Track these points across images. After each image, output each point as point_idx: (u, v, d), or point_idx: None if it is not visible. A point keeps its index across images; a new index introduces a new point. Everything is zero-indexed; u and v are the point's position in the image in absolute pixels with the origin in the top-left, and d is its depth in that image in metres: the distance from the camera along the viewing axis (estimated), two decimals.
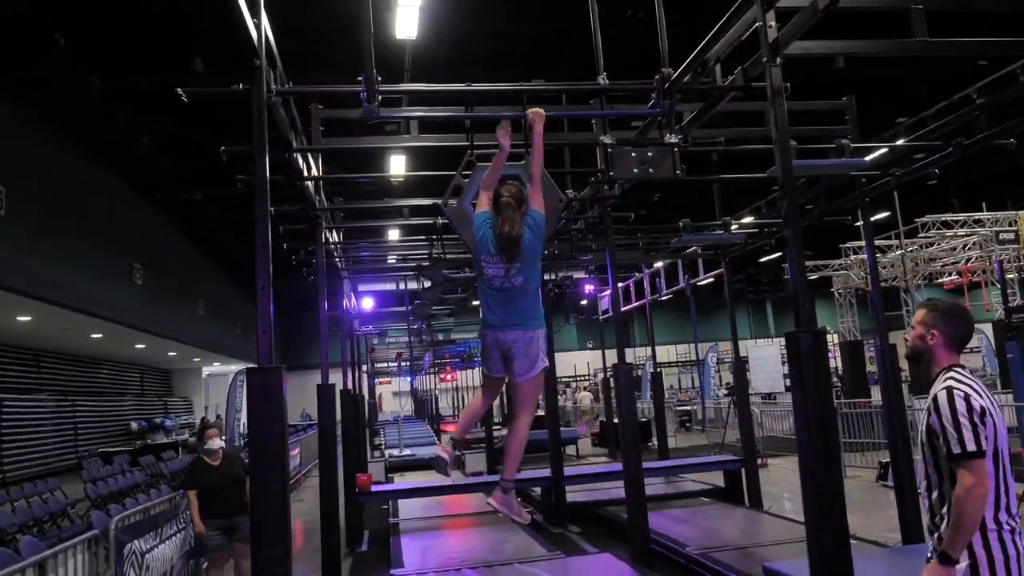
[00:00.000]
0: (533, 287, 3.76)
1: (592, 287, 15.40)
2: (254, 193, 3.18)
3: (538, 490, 10.11)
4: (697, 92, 4.61)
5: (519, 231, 3.70)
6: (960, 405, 2.52)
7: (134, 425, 26.43)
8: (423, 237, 7.96)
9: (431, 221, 6.90)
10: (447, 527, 9.08)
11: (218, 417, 30.29)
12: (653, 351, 12.83)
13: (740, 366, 9.77)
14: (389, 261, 10.64)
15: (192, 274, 22.24)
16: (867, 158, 5.71)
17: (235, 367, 25.04)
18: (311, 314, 33.28)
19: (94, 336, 18.82)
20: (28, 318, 14.74)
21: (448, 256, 6.35)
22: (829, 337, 34.55)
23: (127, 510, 6.24)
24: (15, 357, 19.25)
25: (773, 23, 3.62)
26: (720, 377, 32.08)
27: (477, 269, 3.86)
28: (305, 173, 5.36)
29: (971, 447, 2.47)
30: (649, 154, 4.74)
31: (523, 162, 4.53)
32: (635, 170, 4.72)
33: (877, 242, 19.99)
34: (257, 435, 3.11)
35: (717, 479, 10.17)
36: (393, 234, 9.63)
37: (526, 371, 3.76)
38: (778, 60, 3.60)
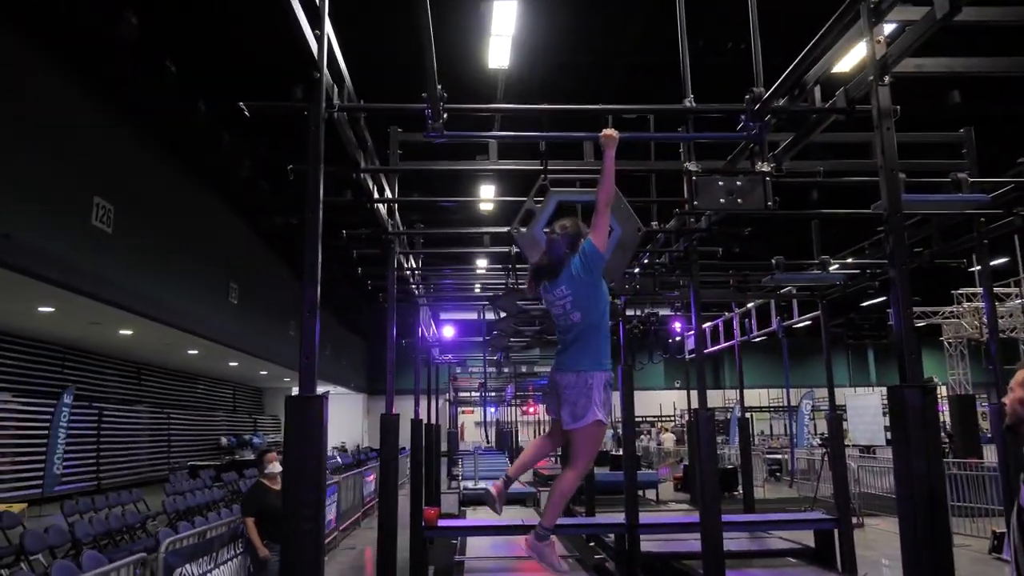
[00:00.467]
0: (592, 324, 3.52)
1: (680, 324, 14.88)
2: (305, 210, 3.01)
3: (612, 536, 9.62)
4: (792, 116, 4.23)
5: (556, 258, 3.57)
6: None
7: (224, 440, 27.22)
8: (499, 266, 7.76)
9: (506, 250, 6.69)
10: (515, 569, 8.72)
11: None
12: (741, 394, 12.16)
13: (836, 416, 9.06)
14: (474, 290, 10.52)
15: (285, 296, 22.84)
16: (988, 196, 5.14)
17: (322, 389, 25.58)
18: (398, 342, 33.53)
19: (191, 352, 19.48)
20: (130, 332, 15.34)
21: (522, 286, 6.11)
22: (937, 390, 32.55)
23: (179, 533, 6.17)
24: (117, 369, 20.10)
25: (882, 37, 3.23)
26: (815, 425, 30.53)
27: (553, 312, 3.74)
28: (377, 195, 5.23)
29: None
30: (738, 183, 4.37)
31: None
32: (722, 200, 4.35)
33: (995, 289, 18.60)
34: (292, 467, 2.90)
35: (807, 538, 9.43)
36: (480, 263, 9.52)
37: (572, 421, 3.49)
38: (887, 79, 3.21)
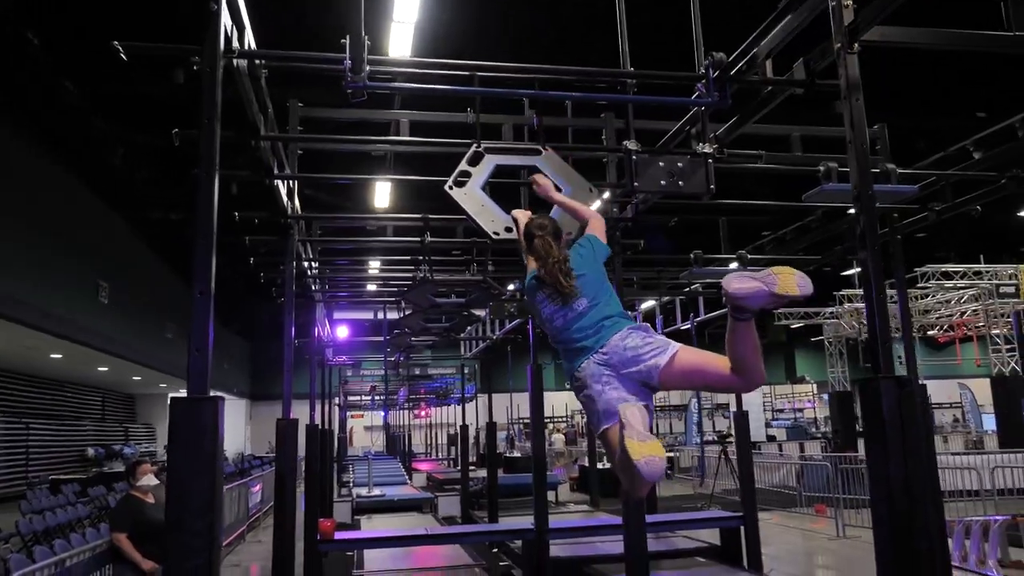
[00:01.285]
0: (603, 298, 3.10)
1: None
2: (199, 168, 2.45)
3: (519, 543, 9.24)
4: (742, 91, 3.97)
5: (563, 255, 3.14)
6: None
7: (91, 451, 25.16)
8: (408, 258, 7.21)
9: (418, 240, 6.15)
10: None
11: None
12: None
13: (743, 413, 9.04)
14: (368, 288, 9.91)
15: (163, 296, 21.29)
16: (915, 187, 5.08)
17: None
18: (281, 344, 32.01)
19: (54, 356, 17.82)
20: None
21: (437, 277, 5.61)
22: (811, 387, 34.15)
23: (35, 563, 5.33)
24: None
25: (850, 2, 2.98)
26: (702, 423, 31.36)
27: (546, 327, 3.22)
28: (276, 171, 4.62)
29: None
30: (679, 165, 4.07)
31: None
32: (663, 182, 4.04)
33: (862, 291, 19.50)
34: (179, 482, 2.33)
35: (710, 536, 9.39)
36: (374, 264, 8.93)
37: (667, 348, 2.88)
38: (856, 47, 2.96)
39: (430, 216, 5.34)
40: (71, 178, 14.57)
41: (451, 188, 3.98)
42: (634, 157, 4.00)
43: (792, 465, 15.63)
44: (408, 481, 20.00)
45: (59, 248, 13.87)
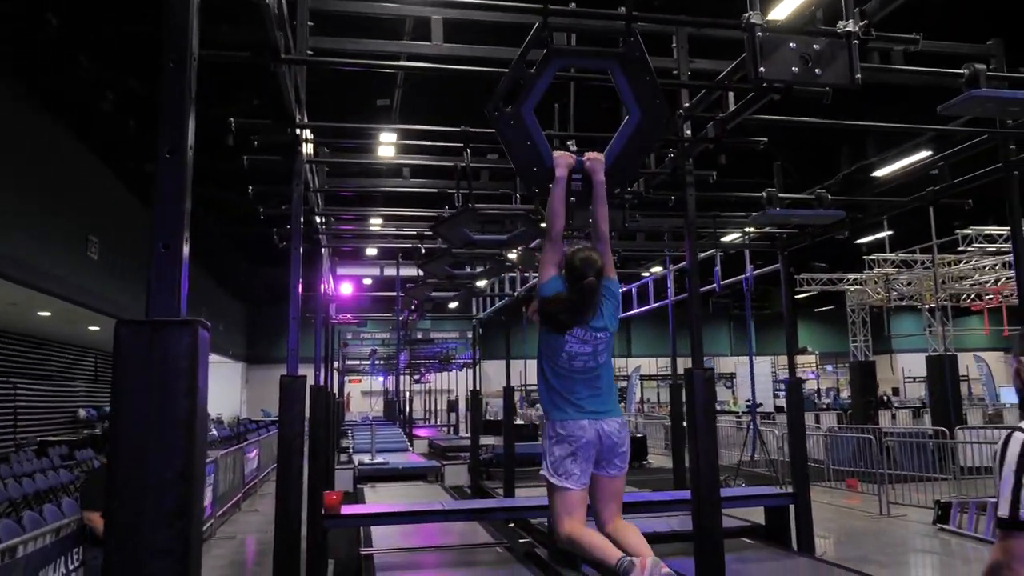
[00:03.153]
0: (609, 362, 3.45)
1: None
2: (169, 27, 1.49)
3: (544, 520, 8.38)
4: None
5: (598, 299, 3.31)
6: (1015, 459, 1.81)
7: (82, 413, 24.34)
8: (434, 189, 6.11)
9: (452, 163, 5.12)
10: (431, 564, 7.35)
11: None
12: (674, 362, 11.14)
13: (796, 381, 8.13)
14: (379, 236, 8.91)
15: None
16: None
17: None
18: (282, 306, 31.02)
19: (42, 314, 16.85)
20: None
21: (479, 205, 4.59)
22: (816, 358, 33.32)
23: None
24: None
25: None
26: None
27: (548, 350, 3.36)
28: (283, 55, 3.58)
29: (1004, 512, 1.82)
30: (816, 47, 3.10)
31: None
32: (795, 69, 3.07)
33: (902, 256, 18.59)
34: (130, 447, 1.39)
35: (754, 515, 8.54)
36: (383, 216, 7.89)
37: (623, 466, 3.39)
38: None
39: (471, 129, 4.36)
40: (59, 127, 13.46)
41: (495, 111, 3.01)
42: (759, 34, 3.02)
43: (820, 437, 14.80)
44: (410, 447, 19.23)
45: (46, 200, 12.83)
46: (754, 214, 5.83)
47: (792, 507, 7.94)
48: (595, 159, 3.32)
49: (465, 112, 5.03)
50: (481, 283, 8.34)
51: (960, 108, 3.82)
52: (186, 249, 1.50)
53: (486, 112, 2.99)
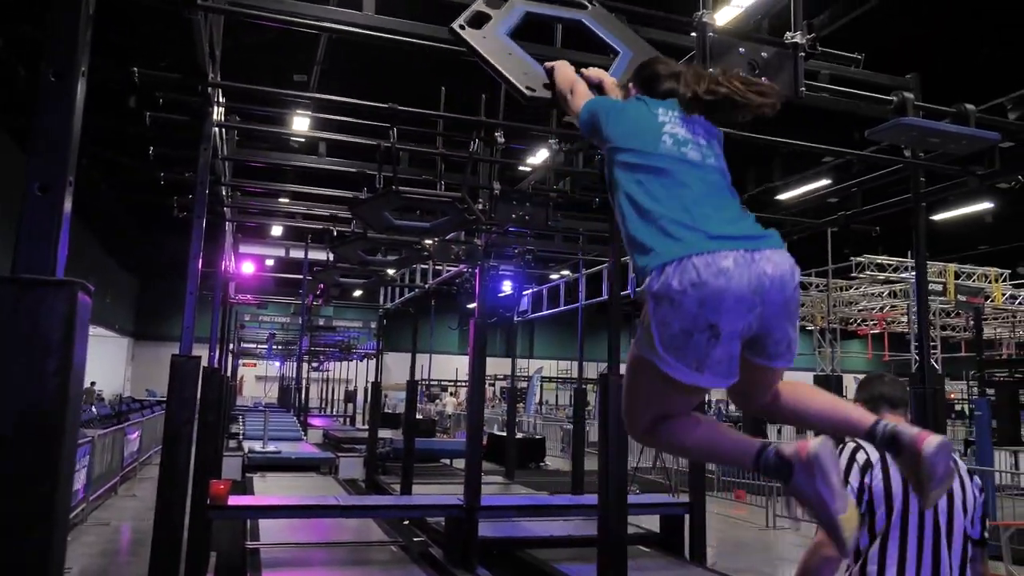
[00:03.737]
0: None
1: (512, 283, 13.69)
2: None
3: (441, 520, 8.19)
4: None
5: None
6: (843, 458, 2.40)
7: None
8: (351, 168, 5.79)
9: (374, 143, 4.84)
10: (320, 561, 7.04)
11: None
12: (580, 367, 11.16)
13: (579, 391, 8.21)
14: (287, 214, 8.49)
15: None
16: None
17: None
18: (176, 281, 29.60)
19: None
20: None
21: (403, 188, 4.32)
22: None
23: None
24: None
25: None
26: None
27: (636, 144, 1.97)
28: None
29: None
30: (763, 55, 3.03)
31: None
32: (742, 75, 2.99)
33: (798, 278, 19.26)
34: None
35: (648, 522, 8.62)
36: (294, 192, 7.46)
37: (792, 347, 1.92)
38: None
39: (399, 107, 4.11)
40: None
41: (462, 28, 2.74)
42: (710, 34, 2.92)
43: None
44: (304, 437, 18.65)
45: None
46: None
47: (687, 516, 8.05)
48: (557, 65, 2.57)
49: (387, 96, 4.80)
50: (391, 271, 8.08)
51: (887, 134, 3.87)
52: (69, 196, 1.24)
53: (450, 31, 2.72)
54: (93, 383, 30.30)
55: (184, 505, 5.12)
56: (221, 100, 4.70)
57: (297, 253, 11.95)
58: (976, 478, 2.52)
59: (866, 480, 2.36)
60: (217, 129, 4.62)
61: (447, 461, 15.78)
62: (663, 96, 2.13)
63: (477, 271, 7.58)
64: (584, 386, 12.23)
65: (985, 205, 16.07)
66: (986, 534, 2.52)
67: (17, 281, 1.16)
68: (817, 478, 1.78)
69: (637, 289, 7.30)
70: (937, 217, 16.50)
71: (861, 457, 2.38)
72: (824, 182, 13.75)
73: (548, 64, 2.64)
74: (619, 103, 2.23)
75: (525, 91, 2.59)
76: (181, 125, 4.33)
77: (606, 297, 10.82)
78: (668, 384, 1.81)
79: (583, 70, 2.52)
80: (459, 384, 38.32)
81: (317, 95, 4.64)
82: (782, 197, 14.17)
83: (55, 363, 1.17)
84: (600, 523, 4.79)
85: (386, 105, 4.12)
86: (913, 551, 2.34)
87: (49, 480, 1.21)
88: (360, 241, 5.52)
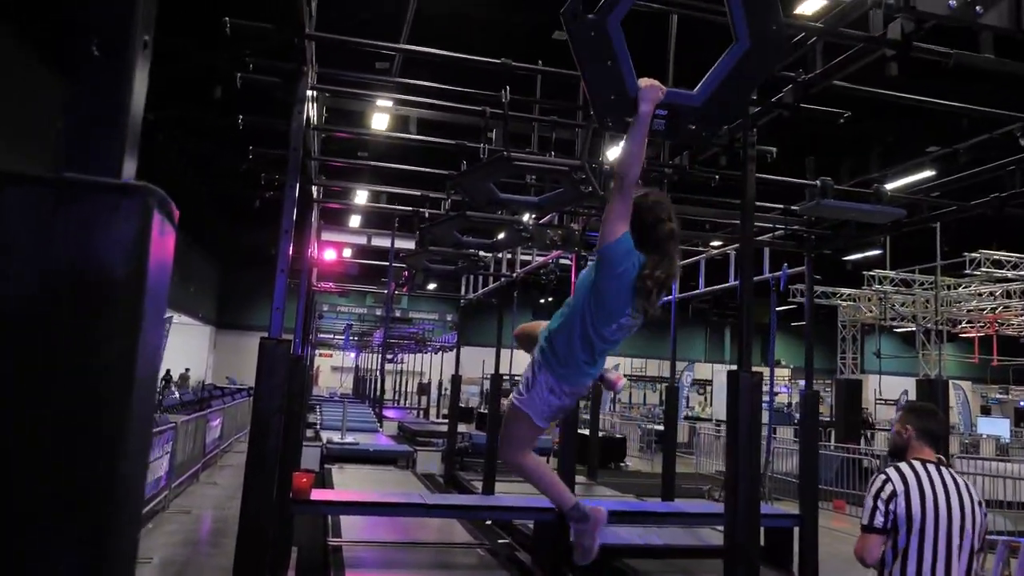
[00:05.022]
0: None
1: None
2: None
3: (527, 522, 7.75)
4: None
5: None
6: (874, 487, 3.08)
7: None
8: (450, 141, 5.31)
9: (479, 109, 4.34)
10: (406, 562, 6.68)
11: None
12: (673, 365, 10.50)
13: (812, 393, 7.55)
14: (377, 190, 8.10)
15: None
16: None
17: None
18: (256, 271, 30.15)
19: None
20: None
21: (514, 153, 3.85)
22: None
23: None
24: None
25: None
26: (689, 398, 30.25)
27: (601, 313, 2.71)
28: None
29: (864, 521, 3.08)
30: None
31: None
32: (951, 2, 2.42)
33: (902, 275, 18.12)
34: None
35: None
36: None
37: None
38: None
39: (512, 63, 3.64)
40: None
41: (575, 16, 2.30)
42: None
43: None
44: (379, 428, 18.52)
45: None
46: (806, 203, 5.18)
47: (796, 530, 7.39)
48: (649, 86, 2.54)
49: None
50: (486, 255, 7.63)
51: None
52: (143, 65, 0.80)
53: (562, 15, 2.29)
54: (187, 369, 31.11)
55: (271, 497, 4.80)
56: (315, 64, 4.33)
57: (380, 241, 11.71)
58: (982, 501, 3.13)
59: (891, 507, 3.01)
60: (311, 93, 4.26)
61: None
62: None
63: (573, 258, 7.10)
64: (677, 384, 11.57)
65: None
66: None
67: (61, 183, 0.72)
68: (596, 532, 2.87)
69: None
70: None
71: (888, 488, 3.04)
72: (928, 173, 12.79)
73: (643, 83, 2.50)
74: (627, 267, 2.60)
75: (601, 122, 2.37)
76: (274, 87, 3.98)
77: (702, 290, 10.26)
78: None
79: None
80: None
81: (422, 48, 4.19)
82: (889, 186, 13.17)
83: (120, 317, 0.73)
84: (727, 534, 4.23)
85: (499, 61, 3.67)
86: (928, 564, 2.94)
87: (109, 493, 0.78)
88: (457, 220, 5.08)
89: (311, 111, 4.87)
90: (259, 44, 3.82)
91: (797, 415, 31.21)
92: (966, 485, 3.09)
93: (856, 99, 4.72)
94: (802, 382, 25.53)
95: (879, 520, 3.00)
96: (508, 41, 10.05)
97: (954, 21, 2.46)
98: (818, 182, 5.05)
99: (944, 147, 14.20)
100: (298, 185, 4.35)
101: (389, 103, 6.35)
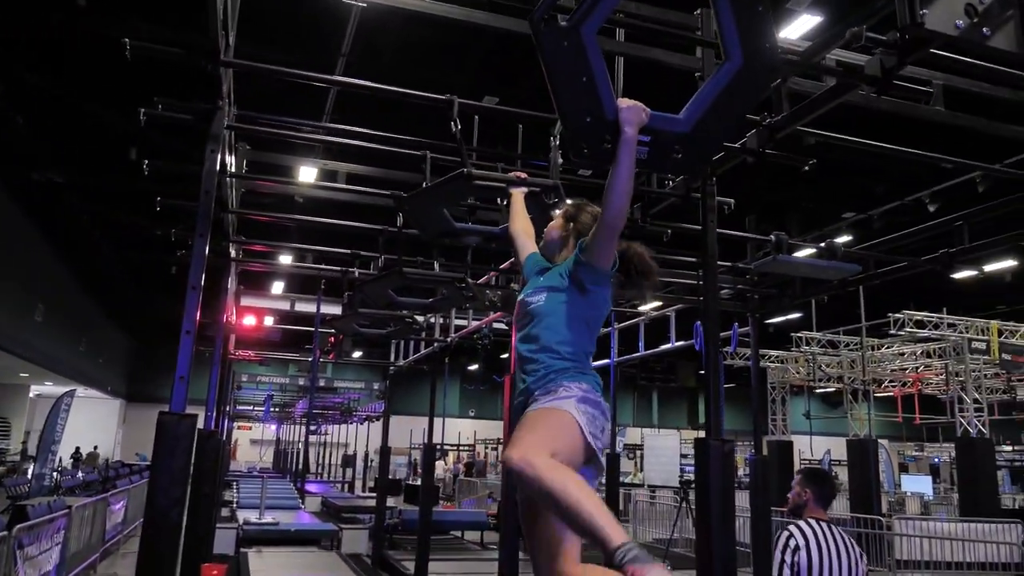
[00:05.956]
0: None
1: None
2: None
3: None
4: None
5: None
6: (781, 542, 3.60)
7: None
8: (376, 201, 4.83)
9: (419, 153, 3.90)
10: None
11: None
12: (613, 429, 10.11)
13: (759, 459, 7.25)
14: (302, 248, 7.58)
15: (35, 273, 17.91)
16: None
17: (68, 388, 20.30)
18: (172, 344, 28.37)
19: None
20: None
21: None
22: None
23: None
24: None
25: None
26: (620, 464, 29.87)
27: (603, 306, 2.60)
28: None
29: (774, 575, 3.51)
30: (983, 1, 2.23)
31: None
32: (958, 23, 2.18)
33: (827, 336, 18.40)
34: None
35: None
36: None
37: None
38: None
39: (459, 99, 3.26)
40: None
41: (544, 21, 1.97)
42: None
43: (745, 519, 14.03)
44: (302, 505, 17.41)
45: None
46: (760, 259, 4.96)
47: None
48: (630, 107, 2.25)
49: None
50: (420, 318, 7.17)
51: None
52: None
53: (530, 20, 1.95)
54: (96, 447, 29.08)
55: None
56: (233, 106, 3.88)
57: (304, 306, 11.09)
58: (863, 554, 3.61)
59: (795, 559, 3.45)
60: (227, 134, 3.79)
61: (457, 533, 14.59)
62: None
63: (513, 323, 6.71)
64: (616, 452, 11.16)
65: (1008, 263, 15.26)
66: None
67: None
68: None
69: None
70: (958, 276, 15.64)
71: (791, 543, 3.53)
72: (846, 238, 13.07)
73: (623, 103, 2.18)
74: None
75: (575, 148, 2.06)
76: (184, 125, 3.49)
77: (643, 353, 10.00)
78: None
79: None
80: (460, 448, 36.95)
81: (356, 81, 3.78)
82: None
83: None
84: None
85: (444, 97, 3.30)
86: None
87: None
88: (392, 277, 4.59)
89: (229, 159, 4.39)
90: (170, 81, 3.36)
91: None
92: (851, 541, 3.61)
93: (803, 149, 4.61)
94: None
95: (786, 573, 3.44)
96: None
97: (963, 43, 2.23)
98: (772, 236, 4.84)
99: (858, 213, 14.65)
100: (211, 238, 3.84)
101: (314, 159, 5.94)
